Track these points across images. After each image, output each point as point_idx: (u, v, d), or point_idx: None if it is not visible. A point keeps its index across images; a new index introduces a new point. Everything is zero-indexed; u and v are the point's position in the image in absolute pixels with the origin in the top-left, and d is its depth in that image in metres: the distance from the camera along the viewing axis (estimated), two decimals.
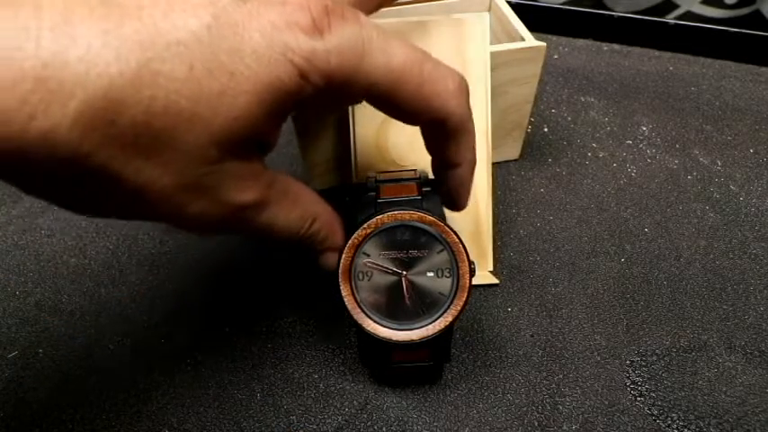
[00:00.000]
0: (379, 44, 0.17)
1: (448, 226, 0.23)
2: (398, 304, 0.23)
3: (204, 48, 0.15)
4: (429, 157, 0.33)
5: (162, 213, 0.17)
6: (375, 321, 0.23)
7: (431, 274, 0.23)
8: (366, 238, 0.23)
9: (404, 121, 0.21)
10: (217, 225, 0.18)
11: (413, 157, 0.31)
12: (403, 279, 0.23)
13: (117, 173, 0.15)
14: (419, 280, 0.23)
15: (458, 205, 0.24)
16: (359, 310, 0.23)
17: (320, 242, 0.23)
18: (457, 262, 0.23)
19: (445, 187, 0.23)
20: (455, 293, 0.23)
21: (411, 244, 0.23)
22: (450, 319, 0.23)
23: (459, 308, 0.23)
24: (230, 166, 0.17)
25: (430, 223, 0.23)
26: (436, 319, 0.23)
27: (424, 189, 0.24)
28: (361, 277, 0.23)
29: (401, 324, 0.23)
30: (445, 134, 0.21)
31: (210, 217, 0.18)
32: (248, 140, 0.17)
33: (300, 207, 0.21)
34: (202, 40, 0.14)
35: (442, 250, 0.23)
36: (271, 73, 0.15)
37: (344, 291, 0.23)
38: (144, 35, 0.14)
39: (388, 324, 0.23)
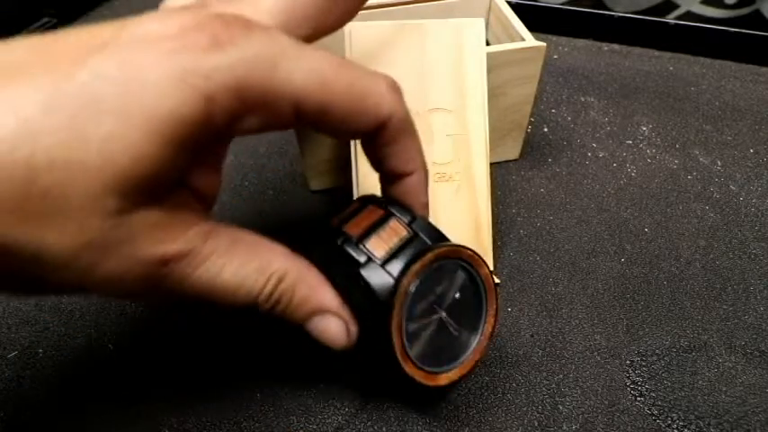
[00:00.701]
0: (294, 52, 0.16)
1: (448, 243, 0.21)
2: (449, 340, 0.22)
3: (89, 93, 0.14)
4: (434, 155, 0.33)
5: (72, 280, 0.15)
6: (445, 373, 0.22)
7: (458, 295, 0.22)
8: (402, 312, 0.20)
9: (346, 137, 0.19)
10: (139, 286, 0.16)
11: None
12: (443, 318, 0.22)
13: (7, 243, 0.14)
14: (451, 306, 0.22)
15: None
16: (433, 376, 0.21)
17: (297, 305, 0.19)
18: (475, 269, 0.22)
19: (403, 203, 0.22)
20: (485, 298, 0.22)
21: (432, 283, 0.21)
22: (492, 321, 0.23)
23: (494, 309, 0.23)
24: (142, 215, 0.15)
25: (440, 256, 0.21)
26: (482, 331, 0.23)
27: (407, 221, 0.21)
28: (411, 347, 0.21)
29: (459, 357, 0.22)
30: (389, 139, 0.19)
31: (127, 275, 0.16)
32: (157, 184, 0.15)
33: (258, 260, 0.18)
34: (86, 85, 0.14)
35: (456, 269, 0.22)
36: (166, 104, 0.14)
37: (415, 373, 0.21)
38: (23, 92, 0.13)
39: (453, 365, 0.22)
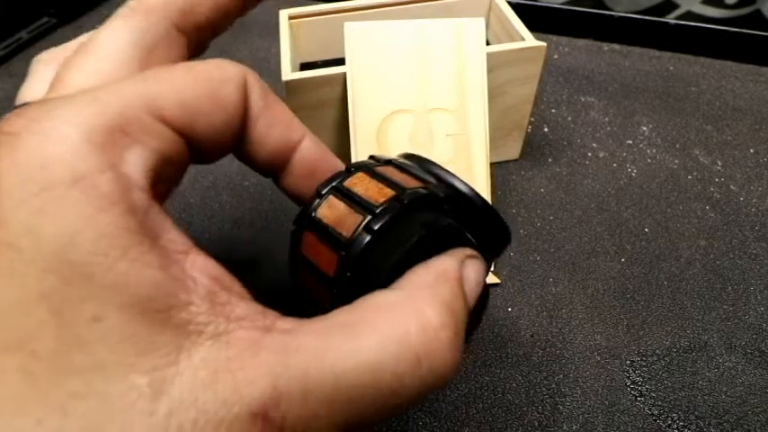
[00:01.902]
0: (100, 88, 0.13)
1: (405, 154, 0.19)
2: None
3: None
4: (434, 155, 0.33)
5: None
6: None
7: None
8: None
9: (231, 128, 0.15)
10: None
11: None
12: None
13: None
14: None
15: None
16: None
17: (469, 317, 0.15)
18: None
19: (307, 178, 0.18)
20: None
21: None
22: None
23: None
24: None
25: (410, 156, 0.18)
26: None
27: (372, 163, 0.18)
28: None
29: None
30: (258, 104, 0.16)
31: None
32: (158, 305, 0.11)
33: (382, 330, 0.13)
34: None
35: None
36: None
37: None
38: None
39: None
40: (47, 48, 0.18)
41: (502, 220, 0.18)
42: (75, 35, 0.18)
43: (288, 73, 0.31)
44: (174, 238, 0.12)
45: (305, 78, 0.31)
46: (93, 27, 0.16)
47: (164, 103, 0.13)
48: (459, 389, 0.27)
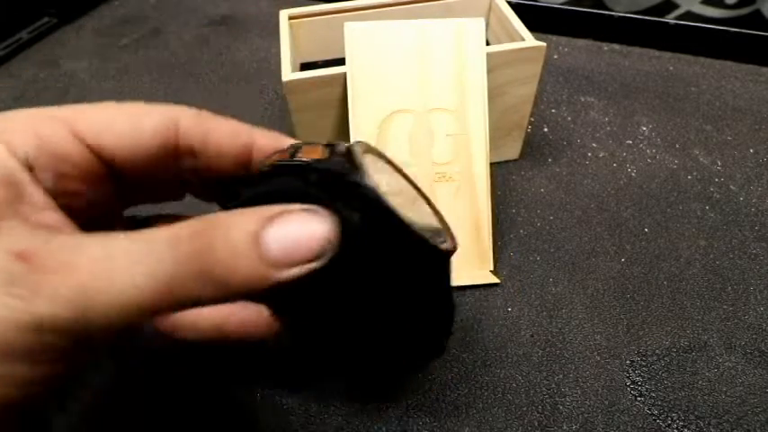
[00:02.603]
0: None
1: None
2: None
3: None
4: (434, 155, 0.32)
5: None
6: None
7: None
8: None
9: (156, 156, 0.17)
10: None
11: (413, 156, 0.31)
12: None
13: None
14: None
15: None
16: None
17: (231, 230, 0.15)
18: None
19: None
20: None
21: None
22: None
23: None
24: None
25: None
26: None
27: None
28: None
29: None
30: (198, 128, 0.18)
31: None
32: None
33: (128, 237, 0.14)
34: None
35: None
36: None
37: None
38: None
39: None
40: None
41: (408, 231, 0.17)
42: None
43: (288, 73, 0.31)
44: (39, 199, 0.15)
45: (305, 78, 0.31)
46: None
47: (81, 124, 0.16)
48: (459, 389, 0.27)
